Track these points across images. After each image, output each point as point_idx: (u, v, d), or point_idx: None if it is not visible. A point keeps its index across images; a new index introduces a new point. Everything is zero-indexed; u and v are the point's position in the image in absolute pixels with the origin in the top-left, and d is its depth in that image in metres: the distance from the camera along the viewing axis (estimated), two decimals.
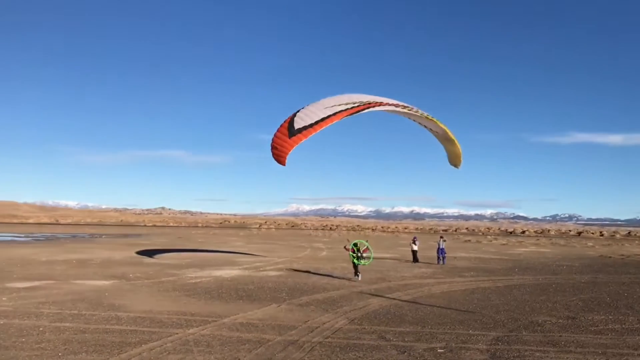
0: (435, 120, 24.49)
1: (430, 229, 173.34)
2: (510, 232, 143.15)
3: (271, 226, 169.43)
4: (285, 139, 21.94)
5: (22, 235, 70.64)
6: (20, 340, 10.48)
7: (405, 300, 17.04)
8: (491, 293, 19.36)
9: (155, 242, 55.70)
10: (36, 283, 19.59)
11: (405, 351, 10.25)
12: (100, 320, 12.68)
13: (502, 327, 12.86)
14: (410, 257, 34.55)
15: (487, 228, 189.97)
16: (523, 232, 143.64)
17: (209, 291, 18.30)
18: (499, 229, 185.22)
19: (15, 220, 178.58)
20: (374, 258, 25.84)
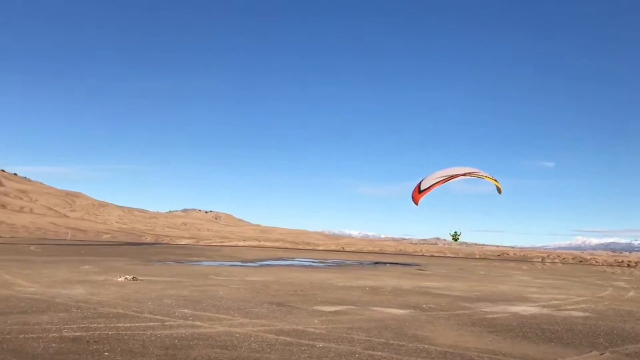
0: (490, 177, 42.86)
1: None
2: None
3: (555, 260, 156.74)
4: (416, 194, 39.66)
5: (317, 260, 77.87)
6: None
7: None
8: None
9: (437, 272, 55.67)
10: (339, 307, 20.73)
11: None
12: (410, 351, 12.52)
13: None
14: None
15: None
16: None
17: (511, 329, 16.99)
18: None
19: (308, 247, 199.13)
20: None
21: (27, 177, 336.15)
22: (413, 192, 40.31)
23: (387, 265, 72.19)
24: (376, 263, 77.62)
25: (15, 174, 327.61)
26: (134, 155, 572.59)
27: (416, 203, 39.97)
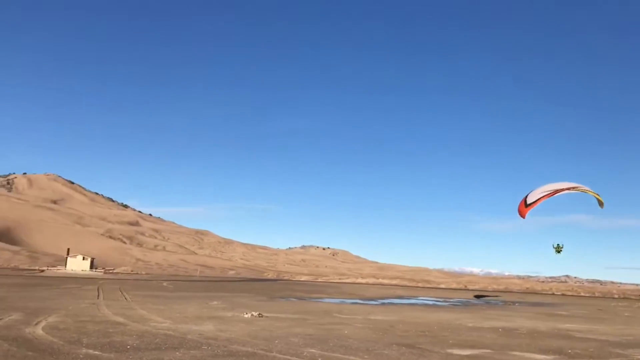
0: (592, 192, 40.81)
1: None
2: None
3: None
4: (522, 207, 39.38)
5: (441, 299, 75.09)
6: None
7: None
8: None
9: (575, 313, 51.26)
10: (474, 351, 19.25)
11: None
12: None
13: None
14: None
15: None
16: None
17: None
18: None
19: (428, 285, 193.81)
20: None
21: (161, 217, 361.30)
22: (519, 206, 40.75)
23: (516, 304, 67.90)
24: (504, 301, 73.35)
25: (150, 215, 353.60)
26: (256, 195, 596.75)
27: (523, 216, 40.53)
